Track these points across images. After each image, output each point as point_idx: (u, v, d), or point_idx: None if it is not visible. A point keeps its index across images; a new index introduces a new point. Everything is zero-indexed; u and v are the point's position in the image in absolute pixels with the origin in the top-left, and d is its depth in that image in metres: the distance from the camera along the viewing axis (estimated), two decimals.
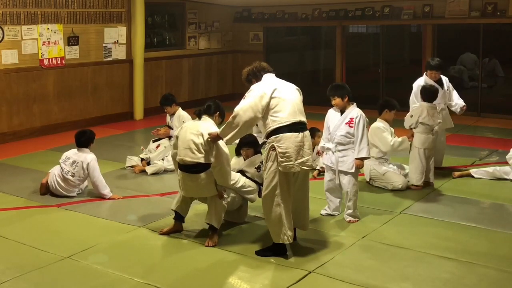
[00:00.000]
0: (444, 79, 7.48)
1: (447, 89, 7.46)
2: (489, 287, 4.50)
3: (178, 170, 5.41)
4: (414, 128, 6.84)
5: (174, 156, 5.50)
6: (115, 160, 8.25)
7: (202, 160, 5.22)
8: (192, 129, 5.29)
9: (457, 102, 7.53)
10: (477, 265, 4.84)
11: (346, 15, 12.51)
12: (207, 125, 5.29)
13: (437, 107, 7.05)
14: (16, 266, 4.85)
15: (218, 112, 5.46)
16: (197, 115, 5.44)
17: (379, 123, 6.91)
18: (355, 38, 13.69)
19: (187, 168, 5.29)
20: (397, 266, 4.83)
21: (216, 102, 5.54)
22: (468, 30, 12.09)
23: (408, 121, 6.89)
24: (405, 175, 7.01)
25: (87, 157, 6.59)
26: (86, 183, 6.82)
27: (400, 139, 6.79)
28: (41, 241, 5.40)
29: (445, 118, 7.45)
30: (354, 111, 5.76)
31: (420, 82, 7.29)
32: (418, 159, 6.81)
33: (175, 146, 5.46)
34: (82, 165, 6.55)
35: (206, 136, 5.17)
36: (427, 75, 7.35)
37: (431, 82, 7.24)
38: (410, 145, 6.87)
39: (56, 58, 10.20)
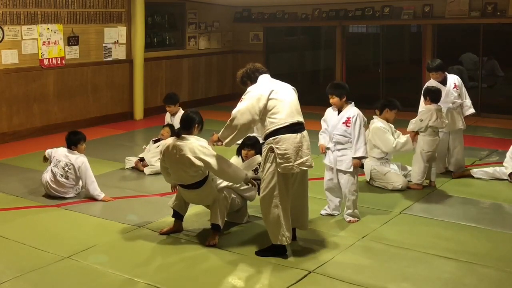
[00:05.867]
0: (452, 78, 7.36)
1: (453, 88, 7.30)
2: (489, 287, 4.50)
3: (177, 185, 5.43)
4: (423, 132, 6.72)
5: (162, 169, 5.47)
6: (115, 160, 8.25)
7: (198, 179, 5.21)
8: (178, 155, 5.11)
9: (467, 104, 7.46)
10: (477, 265, 4.84)
11: (346, 15, 12.51)
12: (192, 146, 5.10)
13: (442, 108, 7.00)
14: (16, 266, 4.85)
15: (196, 125, 5.29)
16: (176, 135, 5.26)
17: (380, 123, 6.81)
18: (355, 38, 13.69)
19: (186, 186, 5.30)
20: (397, 266, 4.83)
21: (193, 114, 5.33)
22: (468, 30, 12.09)
23: (417, 125, 6.70)
24: (406, 175, 7.01)
25: (78, 159, 6.56)
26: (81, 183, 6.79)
27: (402, 140, 6.68)
28: (41, 241, 5.40)
29: (455, 118, 7.31)
30: (351, 111, 5.74)
31: (427, 84, 7.24)
32: (421, 161, 6.77)
33: (164, 169, 5.37)
34: (74, 168, 6.53)
35: (195, 161, 5.04)
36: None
37: (435, 83, 7.18)
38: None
39: (56, 58, 10.20)
